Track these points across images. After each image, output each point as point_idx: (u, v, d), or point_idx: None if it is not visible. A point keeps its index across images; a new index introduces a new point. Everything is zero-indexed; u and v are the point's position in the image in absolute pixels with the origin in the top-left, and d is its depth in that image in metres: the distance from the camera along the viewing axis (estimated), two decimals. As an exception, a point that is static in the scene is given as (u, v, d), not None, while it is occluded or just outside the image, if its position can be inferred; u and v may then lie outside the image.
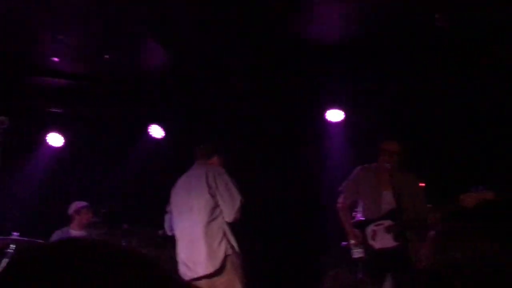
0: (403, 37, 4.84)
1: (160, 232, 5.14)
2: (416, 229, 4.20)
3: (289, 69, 5.73)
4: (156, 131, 6.51)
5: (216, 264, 3.90)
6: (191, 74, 5.73)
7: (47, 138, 6.51)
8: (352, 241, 4.36)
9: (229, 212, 4.01)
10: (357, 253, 4.36)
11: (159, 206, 6.42)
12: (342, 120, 6.23)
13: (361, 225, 4.44)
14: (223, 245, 3.97)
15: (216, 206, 4.03)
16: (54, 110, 6.46)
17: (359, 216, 4.53)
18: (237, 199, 4.02)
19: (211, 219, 4.01)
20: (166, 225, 4.38)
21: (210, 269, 3.88)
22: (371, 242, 4.34)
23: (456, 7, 4.16)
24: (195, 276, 3.92)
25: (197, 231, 3.98)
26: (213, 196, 4.03)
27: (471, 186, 3.87)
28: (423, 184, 4.54)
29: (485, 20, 4.15)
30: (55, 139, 6.54)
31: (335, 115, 6.24)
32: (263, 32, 5.04)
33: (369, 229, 4.37)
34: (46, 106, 6.42)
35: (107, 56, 5.31)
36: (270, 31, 5.01)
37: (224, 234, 4.02)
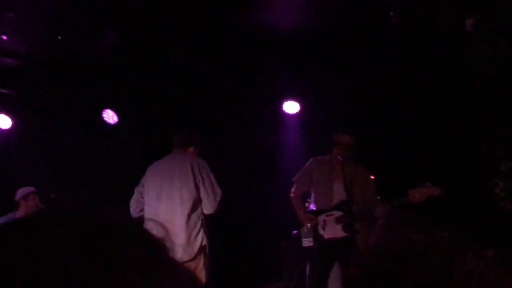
0: (358, 31, 4.93)
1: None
2: (365, 220, 4.33)
3: (247, 60, 5.73)
4: (110, 116, 6.39)
5: (192, 253, 4.01)
6: (146, 60, 5.63)
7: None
8: (309, 224, 4.44)
9: (210, 205, 4.12)
10: (307, 242, 4.46)
11: (109, 191, 6.33)
12: (297, 112, 6.31)
13: (313, 215, 4.53)
14: (200, 235, 4.09)
15: (198, 197, 4.11)
16: (2, 90, 6.20)
17: (312, 206, 4.63)
18: (218, 192, 4.15)
19: (193, 209, 4.09)
20: (133, 207, 4.32)
21: (185, 258, 3.96)
22: (321, 232, 4.44)
23: (409, 6, 4.27)
24: None
25: (178, 220, 4.03)
26: (197, 187, 4.11)
27: (419, 182, 4.03)
28: (373, 177, 4.67)
29: (436, 19, 4.29)
30: (2, 121, 6.29)
31: (291, 107, 6.31)
32: (221, 23, 5.02)
33: (320, 219, 4.47)
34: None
35: (59, 37, 5.12)
36: (229, 22, 5.00)
37: (202, 225, 4.13)
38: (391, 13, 4.25)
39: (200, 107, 6.44)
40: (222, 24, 5.08)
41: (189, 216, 4.05)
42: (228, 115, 6.50)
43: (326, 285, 4.36)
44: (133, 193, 4.39)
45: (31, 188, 5.31)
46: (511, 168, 5.34)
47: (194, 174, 4.11)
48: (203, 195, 4.12)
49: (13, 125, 6.34)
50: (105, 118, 6.38)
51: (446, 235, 0.97)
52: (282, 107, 6.33)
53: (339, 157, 4.43)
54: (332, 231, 4.40)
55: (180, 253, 3.94)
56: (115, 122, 6.42)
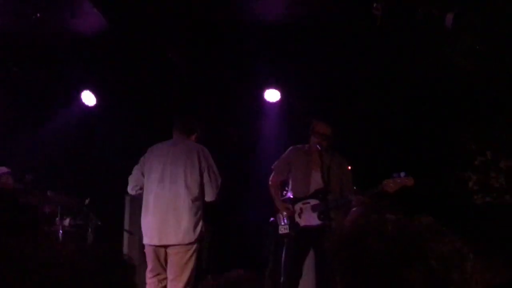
0: (341, 21, 4.94)
1: (87, 201, 5.05)
2: (340, 208, 4.38)
3: (229, 48, 5.72)
4: (88, 98, 6.31)
5: (192, 237, 4.14)
6: (126, 43, 5.56)
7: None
8: (285, 212, 4.49)
9: (212, 193, 4.26)
10: (283, 229, 4.52)
11: (87, 174, 6.28)
12: (278, 100, 6.32)
13: (290, 203, 4.58)
14: (201, 221, 4.23)
15: (202, 184, 4.24)
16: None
17: (289, 194, 4.67)
18: (219, 180, 4.30)
19: (197, 196, 4.21)
20: (132, 185, 4.40)
21: (185, 241, 4.11)
22: (297, 219, 4.50)
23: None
24: (164, 243, 4.13)
25: (182, 204, 4.15)
26: (201, 175, 4.23)
27: (393, 172, 4.09)
28: (349, 167, 4.72)
29: (418, 12, 4.32)
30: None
31: (272, 95, 6.32)
32: (202, 11, 5.00)
33: (297, 207, 4.52)
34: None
35: (38, 15, 5.02)
36: (210, 10, 4.98)
37: (202, 212, 4.26)
38: (374, 5, 4.27)
39: (181, 95, 6.41)
40: (203, 12, 5.06)
41: (193, 201, 4.18)
42: (209, 103, 6.48)
43: (300, 272, 4.42)
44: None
45: (4, 169, 5.24)
46: (484, 163, 5.46)
47: (200, 162, 4.24)
48: (206, 183, 4.25)
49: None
50: (83, 100, 6.31)
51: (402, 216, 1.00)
52: (263, 95, 6.33)
53: (317, 146, 4.47)
54: (308, 219, 4.45)
55: (181, 236, 4.11)
56: (94, 104, 6.35)
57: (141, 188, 4.36)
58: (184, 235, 4.12)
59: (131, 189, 4.43)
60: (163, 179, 4.23)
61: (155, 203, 4.20)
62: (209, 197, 4.28)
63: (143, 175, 4.35)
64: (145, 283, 4.21)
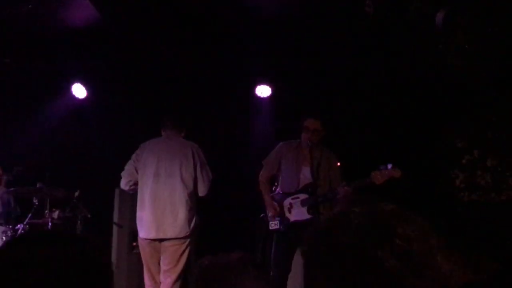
0: (333, 17, 4.97)
1: (76, 193, 5.05)
2: (329, 202, 4.42)
3: (222, 42, 5.72)
4: (79, 91, 6.29)
5: (188, 231, 4.30)
6: (117, 35, 5.55)
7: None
8: (270, 213, 4.53)
9: (204, 188, 4.43)
10: (274, 224, 4.54)
11: (77, 166, 6.25)
12: (269, 96, 6.34)
13: (280, 198, 4.61)
14: (195, 216, 4.39)
15: (196, 179, 4.39)
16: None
17: (279, 189, 4.69)
18: (210, 177, 4.46)
19: (192, 191, 4.36)
20: (126, 180, 4.46)
21: (181, 234, 4.27)
22: (287, 214, 4.53)
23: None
24: (161, 236, 4.27)
25: (179, 199, 4.29)
26: (195, 171, 4.38)
27: (381, 164, 4.14)
28: (339, 164, 4.75)
29: (410, 10, 4.36)
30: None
31: (263, 91, 6.34)
32: (194, 5, 5.01)
33: (286, 202, 4.55)
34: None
35: (29, 6, 4.99)
36: (202, 4, 4.99)
37: (196, 206, 4.42)
38: (366, 1, 4.30)
39: (172, 88, 6.40)
40: (195, 6, 5.07)
41: (189, 195, 4.32)
42: (200, 98, 6.48)
43: (290, 266, 4.44)
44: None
45: (-8, 159, 5.21)
46: (472, 161, 5.53)
47: (194, 158, 4.38)
48: (199, 178, 4.40)
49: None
50: (73, 92, 6.28)
51: (388, 208, 1.03)
52: (254, 90, 6.35)
53: (308, 141, 4.49)
54: (298, 213, 4.49)
55: (178, 229, 4.25)
56: (84, 97, 6.33)
57: (135, 184, 4.43)
58: (180, 229, 4.25)
59: (124, 185, 4.48)
60: (158, 174, 4.33)
61: (151, 198, 4.29)
62: (201, 192, 4.41)
63: (136, 170, 4.41)
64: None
